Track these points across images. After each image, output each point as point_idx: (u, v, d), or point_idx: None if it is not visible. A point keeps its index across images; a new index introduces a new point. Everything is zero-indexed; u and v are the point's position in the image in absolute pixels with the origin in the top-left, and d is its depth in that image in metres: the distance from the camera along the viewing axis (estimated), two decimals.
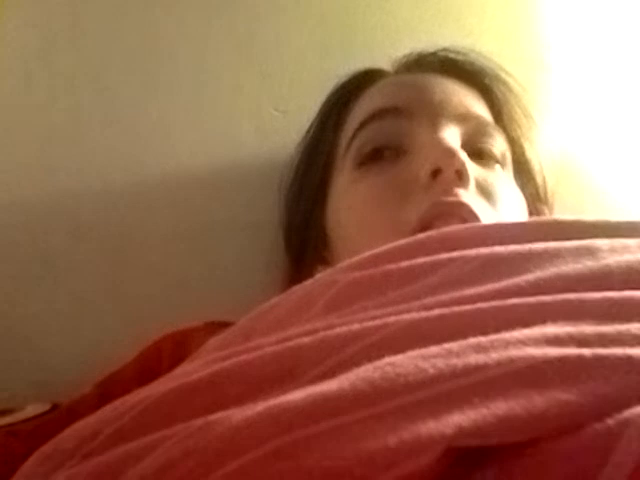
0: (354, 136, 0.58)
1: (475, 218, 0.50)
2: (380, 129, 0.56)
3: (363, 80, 0.63)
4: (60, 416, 0.53)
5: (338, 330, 0.31)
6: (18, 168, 0.69)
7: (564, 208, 0.65)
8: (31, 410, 0.55)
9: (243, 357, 0.32)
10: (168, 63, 0.72)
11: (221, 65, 0.73)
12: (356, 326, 0.30)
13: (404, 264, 0.37)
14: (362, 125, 0.57)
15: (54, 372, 0.64)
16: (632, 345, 0.25)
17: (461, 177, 0.52)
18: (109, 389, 0.54)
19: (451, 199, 0.50)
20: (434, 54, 0.63)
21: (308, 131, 0.65)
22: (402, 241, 0.41)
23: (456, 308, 0.29)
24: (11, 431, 0.52)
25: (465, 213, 0.50)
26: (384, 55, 0.65)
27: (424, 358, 0.26)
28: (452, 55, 0.63)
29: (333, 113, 0.63)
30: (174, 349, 0.55)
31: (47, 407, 0.56)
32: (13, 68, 0.71)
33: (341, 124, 0.61)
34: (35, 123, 0.70)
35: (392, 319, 0.30)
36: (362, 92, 0.62)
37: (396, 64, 0.65)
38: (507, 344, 0.26)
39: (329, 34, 0.74)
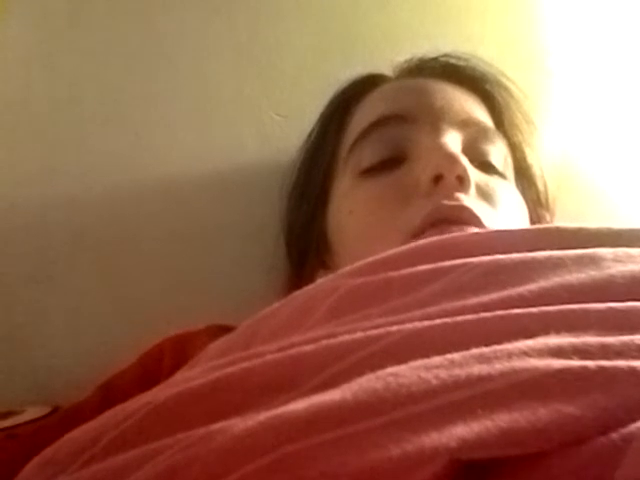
0: (356, 143, 0.58)
1: (477, 221, 0.50)
2: (382, 137, 0.56)
3: (364, 85, 0.63)
4: (61, 419, 0.53)
5: (340, 338, 0.30)
6: (19, 170, 0.69)
7: (565, 214, 0.65)
8: (31, 413, 0.55)
9: (244, 364, 0.31)
10: (169, 68, 0.72)
11: (222, 69, 0.73)
12: (358, 335, 0.30)
13: (406, 271, 0.37)
14: (364, 133, 0.57)
15: (54, 375, 0.64)
16: (636, 357, 0.25)
17: (462, 183, 0.52)
18: (110, 392, 0.54)
19: (453, 203, 0.50)
20: (435, 59, 0.63)
21: (309, 136, 0.66)
22: (404, 247, 0.41)
23: (459, 318, 0.29)
24: (11, 434, 0.52)
25: (467, 216, 0.50)
26: (385, 60, 0.65)
27: (427, 369, 0.25)
28: (453, 60, 0.63)
29: (334, 118, 0.63)
30: (175, 352, 0.55)
31: (47, 410, 0.56)
32: (14, 70, 0.71)
33: (342, 129, 0.61)
34: (36, 126, 0.70)
35: (394, 328, 0.30)
36: (363, 97, 0.62)
37: (397, 69, 0.65)
38: (510, 355, 0.25)
39: (330, 39, 0.74)
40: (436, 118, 0.56)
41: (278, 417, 0.25)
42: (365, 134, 0.57)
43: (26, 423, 0.54)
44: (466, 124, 0.57)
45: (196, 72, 0.72)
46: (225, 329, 0.52)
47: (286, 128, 0.71)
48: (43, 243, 0.67)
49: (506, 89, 0.63)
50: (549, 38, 0.76)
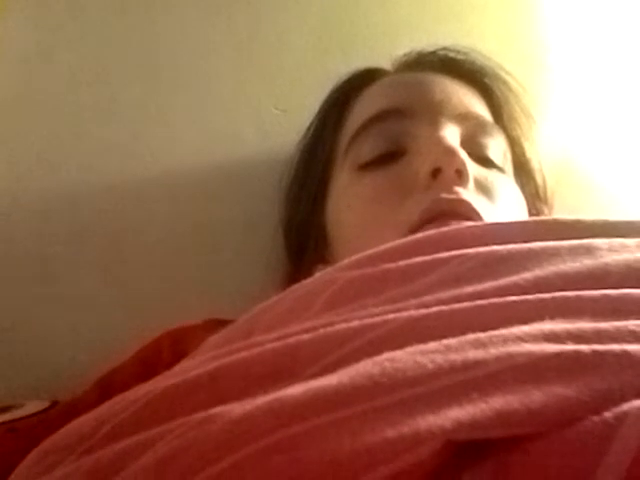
0: (355, 137, 0.58)
1: (476, 215, 0.50)
2: (380, 132, 0.56)
3: (363, 79, 0.63)
4: (60, 413, 0.53)
5: (338, 327, 0.31)
6: (19, 167, 0.69)
7: (564, 208, 0.65)
8: (30, 407, 0.55)
9: (243, 354, 0.32)
10: (169, 62, 0.72)
11: (222, 63, 0.73)
12: (355, 323, 0.31)
13: (403, 263, 0.37)
14: (363, 127, 0.57)
15: (53, 369, 0.64)
16: (629, 341, 0.25)
17: (461, 176, 0.52)
18: (108, 386, 0.54)
19: (452, 196, 0.51)
20: (434, 53, 0.64)
21: (308, 130, 0.66)
22: (401, 240, 0.41)
23: (455, 305, 0.30)
24: (11, 428, 0.52)
25: (466, 210, 0.50)
26: (384, 54, 0.65)
27: (423, 353, 0.26)
28: (452, 54, 0.63)
29: (333, 112, 0.63)
30: (174, 346, 0.56)
31: (46, 404, 0.56)
32: (14, 66, 0.71)
33: (341, 123, 0.61)
34: (36, 122, 0.70)
35: (391, 316, 0.30)
36: (362, 91, 0.62)
37: (396, 63, 0.65)
38: (505, 340, 0.26)
39: (329, 33, 0.74)
40: (435, 112, 0.56)
41: (276, 401, 0.25)
42: (364, 128, 0.57)
43: (25, 417, 0.54)
44: (465, 118, 0.57)
45: (196, 67, 0.72)
46: (224, 323, 0.52)
47: (285, 122, 0.71)
48: (43, 239, 0.67)
49: (505, 83, 0.63)
50: (548, 33, 0.76)
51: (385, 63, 0.65)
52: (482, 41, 0.70)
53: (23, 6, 0.72)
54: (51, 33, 0.73)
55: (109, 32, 0.72)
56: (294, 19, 0.74)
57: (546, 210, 0.64)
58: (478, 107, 0.59)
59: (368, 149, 0.57)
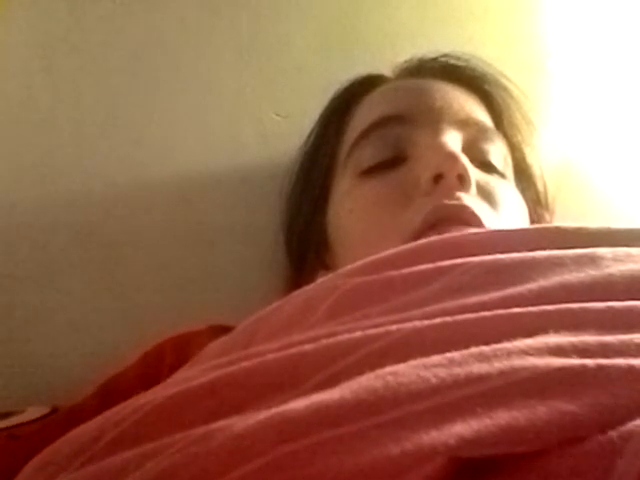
0: (356, 143, 0.58)
1: (478, 221, 0.50)
2: (381, 138, 0.56)
3: (364, 85, 0.63)
4: (61, 419, 0.53)
5: (340, 337, 0.30)
6: (20, 171, 0.69)
7: (565, 214, 0.65)
8: (31, 413, 0.55)
9: (244, 364, 0.31)
10: (170, 67, 0.72)
11: (223, 70, 0.73)
12: (358, 334, 0.30)
13: (406, 270, 0.37)
14: (364, 134, 0.57)
15: (54, 375, 0.64)
16: (635, 355, 0.25)
17: (463, 182, 0.52)
18: (110, 392, 0.54)
19: (454, 202, 0.51)
20: (435, 59, 0.64)
21: (309, 136, 0.66)
22: (404, 247, 0.41)
23: (459, 317, 0.29)
24: (11, 434, 0.52)
25: (468, 216, 0.50)
26: (385, 60, 0.65)
27: (426, 367, 0.25)
28: (453, 61, 0.63)
29: (334, 118, 0.63)
30: (176, 352, 0.55)
31: (47, 410, 0.56)
32: (15, 70, 0.71)
33: (342, 129, 0.61)
34: (37, 126, 0.70)
35: (394, 327, 0.30)
36: (363, 97, 0.62)
37: (397, 69, 0.65)
38: (510, 354, 0.25)
39: (331, 39, 0.74)
40: (436, 118, 0.56)
41: (278, 416, 0.25)
42: (365, 134, 0.57)
43: (26, 423, 0.54)
44: (466, 124, 0.57)
45: (197, 72, 0.72)
46: (226, 329, 0.52)
47: (286, 128, 0.71)
48: (43, 243, 0.67)
49: (505, 89, 0.63)
50: (549, 39, 0.76)
51: (386, 69, 0.65)
52: (483, 48, 0.70)
53: (25, 10, 0.72)
54: (52, 37, 0.72)
55: (109, 37, 0.72)
56: (295, 25, 0.74)
57: (547, 216, 0.64)
58: (479, 113, 0.59)
59: (369, 155, 0.57)
